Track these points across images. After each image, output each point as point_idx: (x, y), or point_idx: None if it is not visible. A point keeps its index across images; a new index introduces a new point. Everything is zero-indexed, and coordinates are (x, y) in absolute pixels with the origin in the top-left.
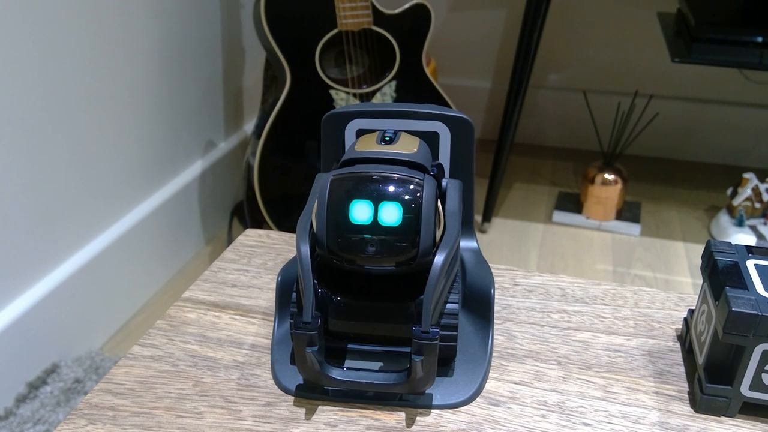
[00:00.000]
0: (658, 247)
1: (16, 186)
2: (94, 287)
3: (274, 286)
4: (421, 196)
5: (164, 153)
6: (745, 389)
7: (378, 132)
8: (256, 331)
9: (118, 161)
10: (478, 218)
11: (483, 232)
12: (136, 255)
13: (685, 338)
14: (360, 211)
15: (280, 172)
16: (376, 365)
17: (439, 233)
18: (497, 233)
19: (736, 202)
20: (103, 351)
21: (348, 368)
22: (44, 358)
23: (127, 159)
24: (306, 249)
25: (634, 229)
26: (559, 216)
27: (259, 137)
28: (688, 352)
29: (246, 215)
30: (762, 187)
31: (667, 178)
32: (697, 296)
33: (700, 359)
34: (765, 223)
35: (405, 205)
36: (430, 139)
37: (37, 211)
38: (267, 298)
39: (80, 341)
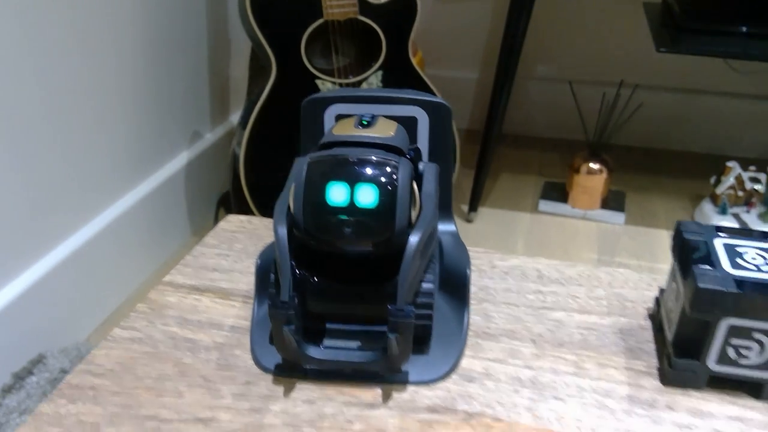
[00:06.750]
0: (642, 236)
1: (0, 177)
2: (80, 278)
3: (254, 270)
4: (397, 178)
5: (150, 144)
6: (711, 363)
7: (356, 116)
8: (236, 313)
9: (104, 152)
10: (464, 208)
11: (469, 221)
12: (123, 245)
13: (656, 316)
14: (336, 193)
15: (266, 162)
16: (354, 344)
17: (414, 214)
18: (484, 223)
19: (719, 190)
20: (89, 341)
21: (326, 347)
22: (30, 349)
23: (113, 149)
24: (283, 230)
25: (619, 218)
26: (545, 205)
27: (244, 127)
28: (658, 330)
29: (232, 205)
30: (745, 175)
31: (651, 168)
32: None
33: (670, 335)
34: (748, 211)
35: (381, 186)
36: (409, 124)
37: (22, 202)
38: (247, 281)
39: (66, 332)
